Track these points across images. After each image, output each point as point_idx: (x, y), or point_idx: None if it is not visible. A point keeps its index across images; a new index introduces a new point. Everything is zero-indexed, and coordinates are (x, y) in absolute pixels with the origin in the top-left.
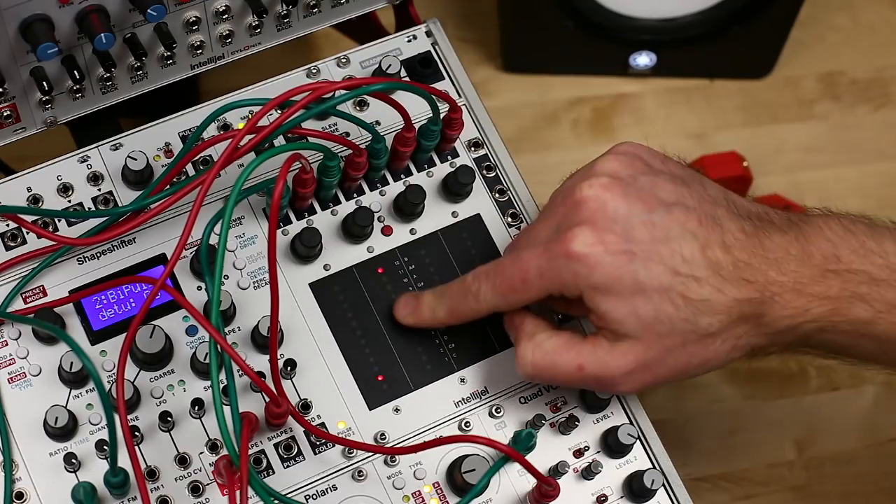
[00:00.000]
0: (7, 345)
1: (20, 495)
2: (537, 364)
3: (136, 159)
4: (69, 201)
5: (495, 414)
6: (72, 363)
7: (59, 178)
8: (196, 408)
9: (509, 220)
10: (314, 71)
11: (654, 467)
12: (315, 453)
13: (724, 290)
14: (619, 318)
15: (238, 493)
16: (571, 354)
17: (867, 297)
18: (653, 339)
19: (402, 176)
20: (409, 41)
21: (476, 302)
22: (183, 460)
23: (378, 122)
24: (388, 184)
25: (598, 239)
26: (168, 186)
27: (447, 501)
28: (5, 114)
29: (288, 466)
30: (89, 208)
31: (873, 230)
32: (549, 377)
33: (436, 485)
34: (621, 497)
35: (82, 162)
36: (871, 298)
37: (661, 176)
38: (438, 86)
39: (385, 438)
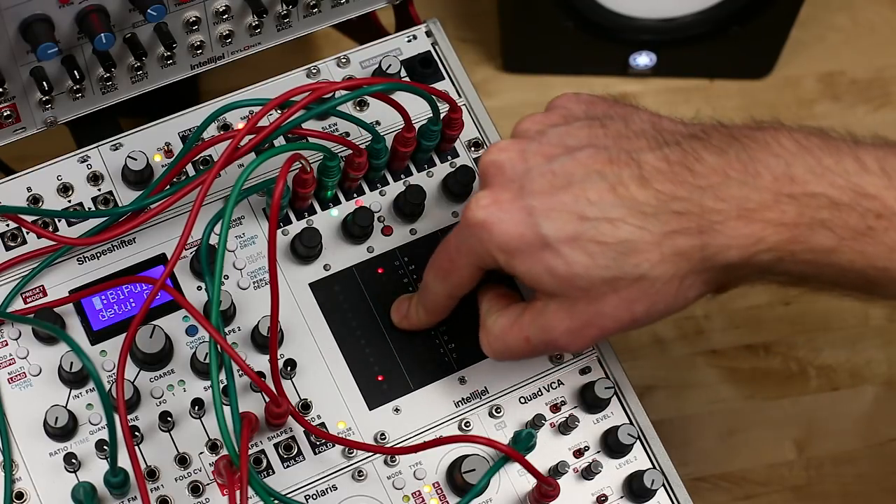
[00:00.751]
0: (7, 345)
1: (20, 495)
2: (494, 348)
3: (136, 159)
4: (69, 201)
5: (495, 414)
6: (72, 363)
7: (59, 178)
8: (196, 408)
9: None
10: (314, 71)
11: (654, 467)
12: (315, 453)
13: (648, 227)
14: (535, 278)
15: (238, 493)
16: (515, 330)
17: (828, 223)
18: (577, 293)
19: (403, 176)
20: (409, 41)
21: (431, 293)
22: (183, 460)
23: (378, 122)
24: (388, 184)
25: (492, 200)
26: (168, 186)
27: (447, 501)
28: (5, 114)
29: (288, 466)
30: (89, 208)
31: (830, 145)
32: (508, 356)
33: (436, 485)
34: (621, 497)
35: (82, 162)
36: (833, 225)
37: (575, 123)
38: (438, 86)
39: (385, 438)
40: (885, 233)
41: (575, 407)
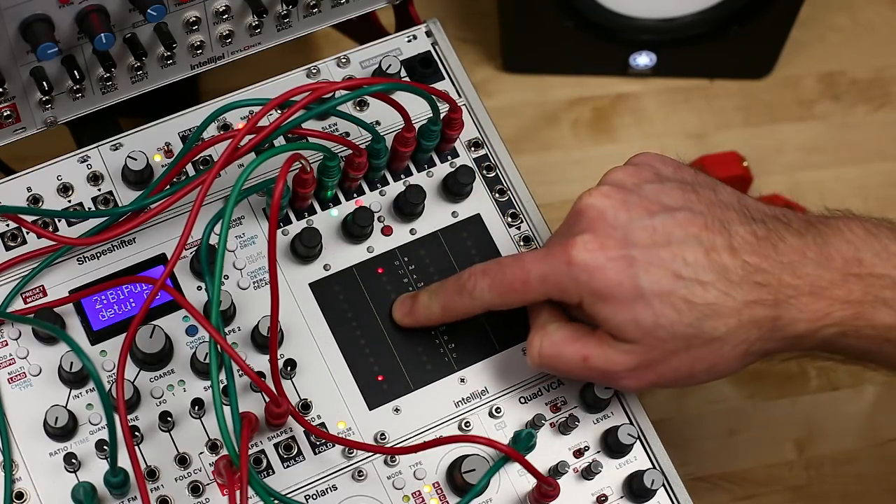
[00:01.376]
0: (7, 345)
1: (20, 495)
2: (545, 353)
3: (136, 159)
4: (69, 201)
5: (495, 414)
6: (72, 363)
7: (59, 178)
8: (196, 408)
9: (509, 220)
10: (314, 71)
11: (654, 467)
12: (315, 453)
13: (732, 294)
14: (618, 325)
15: (238, 493)
16: (578, 346)
17: (891, 301)
18: (654, 342)
19: (402, 176)
20: (409, 41)
21: (471, 299)
22: (183, 460)
23: (378, 122)
24: (388, 184)
25: (598, 245)
26: (168, 186)
27: (447, 501)
28: (5, 114)
29: (288, 466)
30: (89, 208)
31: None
32: (556, 367)
33: (436, 485)
34: (621, 497)
35: (82, 162)
36: (895, 303)
37: (668, 183)
38: (438, 86)
39: (385, 438)
40: None
41: (575, 407)
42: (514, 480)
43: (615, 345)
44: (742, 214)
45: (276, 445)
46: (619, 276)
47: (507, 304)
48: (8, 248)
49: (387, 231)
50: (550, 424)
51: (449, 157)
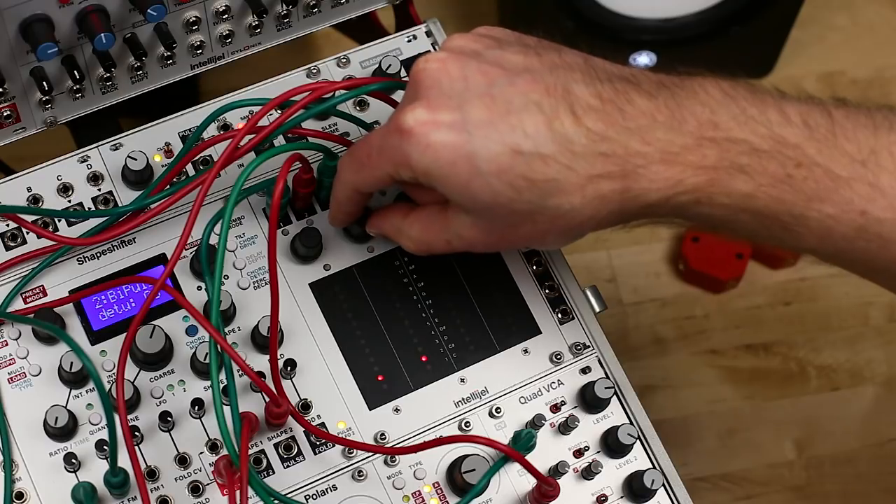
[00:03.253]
0: (7, 345)
1: (20, 495)
2: (418, 249)
3: (136, 159)
4: (69, 201)
5: (495, 414)
6: (72, 363)
7: (59, 178)
8: (196, 408)
9: None
10: (314, 71)
11: (654, 467)
12: (315, 453)
13: (576, 167)
14: (455, 199)
15: (238, 493)
16: (435, 232)
17: (748, 168)
18: (493, 216)
19: None
20: (409, 41)
21: (339, 182)
22: (183, 460)
23: (378, 122)
24: None
25: (430, 117)
26: (168, 186)
27: (447, 501)
28: (5, 114)
29: (288, 466)
30: (89, 208)
31: (754, 94)
32: (435, 253)
33: (436, 485)
34: (621, 497)
35: (82, 162)
36: (753, 170)
37: (510, 47)
38: None
39: (385, 438)
40: (804, 182)
41: (575, 407)
42: (514, 480)
43: (463, 222)
44: (587, 75)
45: (276, 445)
46: (452, 153)
47: (364, 181)
48: (8, 248)
49: None
50: (550, 424)
51: None
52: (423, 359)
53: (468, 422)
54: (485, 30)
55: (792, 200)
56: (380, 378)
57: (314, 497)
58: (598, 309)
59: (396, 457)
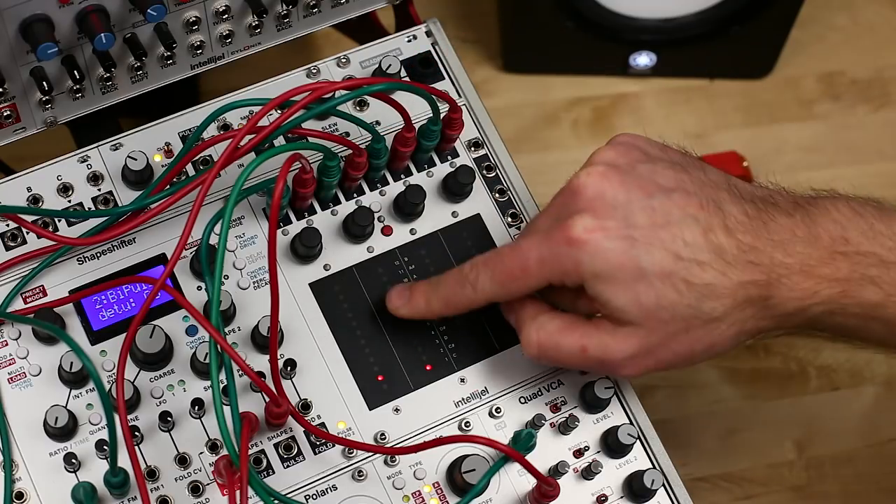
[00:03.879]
0: (7, 345)
1: (20, 495)
2: (542, 344)
3: (136, 159)
4: (69, 201)
5: (495, 414)
6: (72, 363)
7: (59, 178)
8: (196, 408)
9: (509, 220)
10: (314, 71)
11: (654, 467)
12: (315, 453)
13: (729, 274)
14: (621, 306)
15: (238, 493)
16: (575, 336)
17: (877, 279)
18: (655, 324)
19: (402, 176)
20: (409, 41)
21: (473, 291)
22: (183, 460)
23: (378, 122)
24: (388, 184)
25: (598, 225)
26: (168, 186)
27: (447, 501)
28: (5, 114)
29: (288, 466)
30: (89, 208)
31: (882, 212)
32: (554, 358)
33: (436, 485)
34: (621, 497)
35: (82, 162)
36: (882, 281)
37: (659, 163)
38: (438, 86)
39: (385, 438)
40: None
41: (575, 407)
42: (514, 480)
43: (613, 332)
44: (732, 194)
45: (276, 445)
46: (620, 256)
47: (510, 292)
48: (8, 248)
49: (387, 231)
50: (550, 424)
51: (449, 157)
52: (423, 359)
53: (468, 422)
54: (629, 139)
55: None
56: (380, 378)
57: (314, 497)
58: None
59: (396, 457)
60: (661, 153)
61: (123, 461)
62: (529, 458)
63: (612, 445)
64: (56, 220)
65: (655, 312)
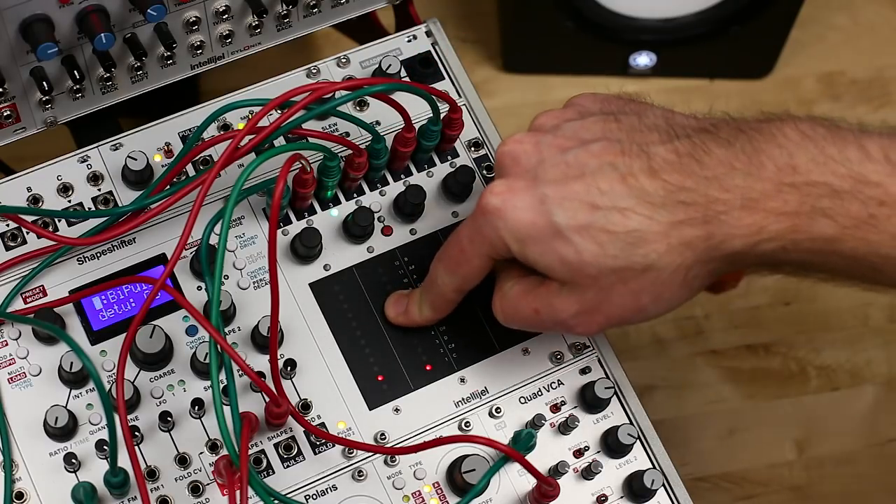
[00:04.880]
0: (7, 345)
1: (20, 495)
2: (504, 311)
3: (136, 159)
4: (69, 201)
5: (495, 414)
6: (72, 363)
7: (59, 178)
8: (196, 408)
9: None
10: (314, 71)
11: (654, 467)
12: (315, 453)
13: (656, 217)
14: (546, 265)
15: (238, 493)
16: (529, 299)
17: (829, 211)
18: (586, 280)
19: (403, 176)
20: (409, 41)
21: (438, 287)
22: (183, 460)
23: (378, 122)
24: (388, 184)
25: (507, 188)
26: (168, 186)
27: (447, 501)
28: (5, 114)
29: (288, 466)
30: (89, 208)
31: (835, 133)
32: (518, 323)
33: (436, 485)
34: (621, 497)
35: (82, 162)
36: (834, 213)
37: (590, 118)
38: (438, 86)
39: (385, 438)
40: (888, 220)
41: (575, 407)
42: (514, 480)
43: (558, 292)
44: (665, 133)
45: (276, 445)
46: (531, 215)
47: (465, 277)
48: (8, 248)
49: (387, 231)
50: (550, 424)
51: (449, 157)
52: (423, 359)
53: (468, 422)
54: (574, 99)
55: (878, 241)
56: (380, 378)
57: (314, 497)
58: None
59: (396, 457)
60: (600, 107)
61: (123, 461)
62: (529, 458)
63: (612, 445)
64: (56, 220)
65: (581, 268)
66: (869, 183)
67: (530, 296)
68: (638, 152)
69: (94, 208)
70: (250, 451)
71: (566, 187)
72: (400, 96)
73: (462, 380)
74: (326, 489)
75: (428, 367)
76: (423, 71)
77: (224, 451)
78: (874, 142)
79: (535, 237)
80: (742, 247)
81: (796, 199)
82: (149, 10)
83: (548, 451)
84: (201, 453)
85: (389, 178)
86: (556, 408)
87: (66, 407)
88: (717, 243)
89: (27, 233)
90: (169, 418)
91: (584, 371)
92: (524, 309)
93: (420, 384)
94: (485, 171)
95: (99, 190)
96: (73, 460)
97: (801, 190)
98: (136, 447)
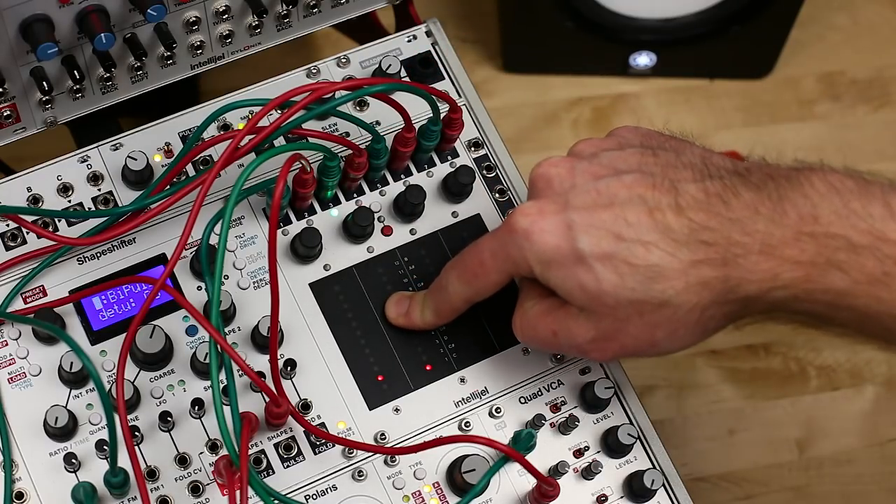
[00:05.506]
0: (7, 345)
1: (20, 495)
2: (523, 329)
3: (136, 159)
4: (69, 201)
5: (495, 414)
6: (72, 363)
7: (59, 178)
8: (196, 408)
9: None
10: (314, 71)
11: (654, 467)
12: (315, 453)
13: (678, 255)
14: (567, 291)
15: (238, 493)
16: (548, 320)
17: (843, 265)
18: (604, 309)
19: (402, 176)
20: (409, 41)
21: (448, 294)
22: (183, 460)
23: (378, 122)
24: (388, 184)
25: (536, 210)
26: (168, 186)
27: (447, 501)
28: (5, 114)
29: (288, 466)
30: (89, 208)
31: (863, 189)
32: (536, 342)
33: (436, 485)
34: (621, 497)
35: (82, 162)
36: (848, 267)
37: (629, 150)
38: (438, 86)
39: (385, 438)
40: None
41: (575, 407)
42: (514, 480)
43: (576, 316)
44: (700, 172)
45: (276, 445)
46: (557, 239)
47: (478, 289)
48: (8, 248)
49: (387, 231)
50: (550, 424)
51: (449, 157)
52: (423, 359)
53: (468, 422)
54: (617, 130)
55: (891, 300)
56: (380, 378)
57: (314, 497)
58: None
59: (396, 457)
60: (641, 140)
61: (123, 461)
62: (529, 458)
63: (612, 445)
64: (56, 220)
65: (599, 296)
66: (888, 241)
67: (549, 317)
68: (669, 188)
69: (94, 208)
70: (250, 451)
71: (594, 215)
72: (400, 96)
73: (462, 380)
74: (326, 489)
75: (428, 367)
76: (423, 71)
77: (224, 451)
78: None
79: (559, 261)
80: (756, 292)
81: (813, 249)
82: (149, 10)
83: (548, 451)
84: (201, 453)
85: (389, 178)
86: (556, 408)
87: (66, 407)
88: (733, 286)
89: (27, 233)
90: (169, 418)
91: (584, 371)
92: (543, 330)
93: (420, 384)
94: (484, 171)
95: (99, 190)
96: (73, 460)
97: (819, 240)
98: (136, 447)
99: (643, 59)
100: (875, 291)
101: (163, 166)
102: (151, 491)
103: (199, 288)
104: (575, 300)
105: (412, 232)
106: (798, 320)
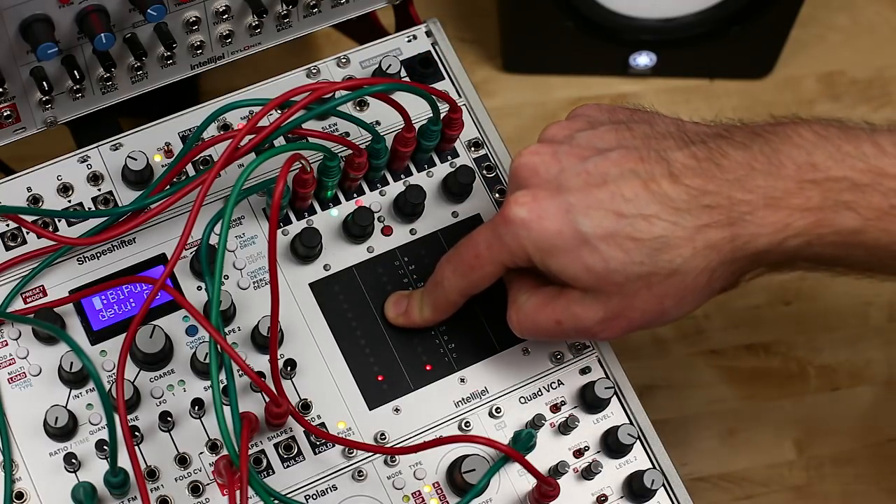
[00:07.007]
0: (7, 345)
1: (20, 495)
2: (521, 324)
3: (136, 159)
4: (69, 201)
5: (495, 414)
6: (72, 363)
7: (59, 178)
8: (196, 408)
9: None
10: (314, 71)
11: (654, 467)
12: (315, 453)
13: (681, 222)
14: (572, 275)
15: (238, 493)
16: (548, 311)
17: (852, 204)
18: (612, 287)
19: (402, 176)
20: (409, 41)
21: (444, 289)
22: (183, 460)
23: (378, 122)
24: (388, 184)
25: (531, 198)
26: (168, 186)
27: (447, 501)
28: (5, 114)
29: (288, 466)
30: (89, 208)
31: (847, 132)
32: (537, 334)
33: (436, 485)
34: (621, 497)
35: (82, 162)
36: (857, 205)
37: (601, 128)
38: (438, 86)
39: (385, 438)
40: None
41: (575, 407)
42: (514, 480)
43: (581, 300)
44: (680, 139)
45: (276, 445)
46: (557, 224)
47: (474, 282)
48: (8, 248)
49: (387, 231)
50: (550, 424)
51: (449, 157)
52: (423, 359)
53: (468, 422)
54: (578, 110)
55: None
56: (380, 378)
57: (314, 497)
58: None
59: (396, 457)
60: (609, 116)
61: (123, 461)
62: (529, 458)
63: (612, 445)
64: (56, 220)
65: (607, 276)
66: (887, 175)
67: (549, 307)
68: (657, 158)
69: (94, 208)
70: (250, 451)
71: (590, 195)
72: (400, 96)
73: (462, 380)
74: (326, 489)
75: (428, 367)
76: (423, 71)
77: (224, 451)
78: (886, 138)
79: (561, 247)
80: (767, 245)
81: (819, 195)
82: (149, 10)
83: (548, 451)
84: (201, 453)
85: (389, 178)
86: (556, 408)
87: (66, 407)
88: (742, 244)
89: (27, 233)
90: (169, 418)
91: (584, 371)
92: (544, 321)
93: (420, 384)
94: (484, 171)
95: (99, 190)
96: (73, 460)
97: (823, 186)
98: (136, 447)
99: (643, 59)
100: (884, 224)
101: (163, 166)
102: (151, 491)
103: (199, 288)
104: (580, 283)
105: (412, 232)
106: (800, 267)
